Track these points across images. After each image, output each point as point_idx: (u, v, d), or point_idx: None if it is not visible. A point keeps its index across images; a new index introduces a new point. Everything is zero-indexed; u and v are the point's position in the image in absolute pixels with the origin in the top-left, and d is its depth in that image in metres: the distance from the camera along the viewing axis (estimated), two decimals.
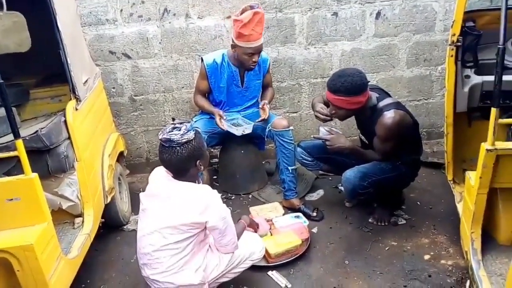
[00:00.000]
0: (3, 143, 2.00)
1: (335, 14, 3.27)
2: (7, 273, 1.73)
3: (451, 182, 2.59)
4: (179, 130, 1.83)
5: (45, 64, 2.71)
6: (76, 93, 2.25)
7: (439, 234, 2.56)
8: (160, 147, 1.87)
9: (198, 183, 1.97)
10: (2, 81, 1.61)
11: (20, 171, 1.81)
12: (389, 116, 2.34)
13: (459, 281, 2.18)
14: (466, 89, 2.42)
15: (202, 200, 1.84)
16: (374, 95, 2.47)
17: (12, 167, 1.99)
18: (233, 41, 2.72)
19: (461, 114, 2.52)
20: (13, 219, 1.76)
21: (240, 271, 2.11)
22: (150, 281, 1.93)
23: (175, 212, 1.84)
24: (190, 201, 1.84)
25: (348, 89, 2.32)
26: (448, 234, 2.53)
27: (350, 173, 2.44)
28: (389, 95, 2.57)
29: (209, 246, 2.03)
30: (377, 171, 2.45)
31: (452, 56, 2.33)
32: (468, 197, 1.94)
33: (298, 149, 2.78)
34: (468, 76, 2.43)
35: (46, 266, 1.75)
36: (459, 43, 2.31)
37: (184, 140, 1.81)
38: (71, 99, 2.26)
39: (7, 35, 2.84)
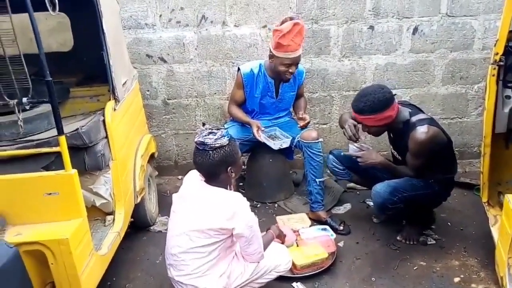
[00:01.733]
0: (44, 139, 2.06)
1: (371, 27, 3.26)
2: (41, 265, 1.77)
3: (486, 204, 2.51)
4: (215, 135, 1.86)
5: (84, 64, 2.80)
6: (116, 94, 2.31)
7: (470, 256, 2.48)
8: (195, 150, 1.89)
9: (230, 189, 1.98)
10: (50, 78, 1.66)
11: (58, 166, 1.87)
12: (422, 131, 2.30)
13: None
14: (506, 110, 2.36)
15: (231, 207, 1.85)
16: (406, 110, 2.45)
17: (50, 162, 2.05)
18: (270, 51, 2.73)
19: (498, 135, 2.46)
20: (50, 213, 1.81)
21: (265, 282, 2.10)
22: (175, 282, 1.94)
23: (203, 216, 1.85)
24: (218, 206, 1.85)
25: (372, 107, 2.31)
26: (479, 258, 2.46)
27: (380, 187, 2.41)
28: (422, 111, 2.53)
29: (235, 253, 2.03)
30: (408, 187, 2.41)
31: (493, 75, 2.28)
32: (507, 221, 1.88)
33: (330, 156, 2.75)
34: (509, 97, 2.37)
35: (79, 261, 1.78)
36: (501, 63, 2.26)
37: (217, 145, 1.83)
38: (110, 99, 2.32)
39: (51, 35, 2.94)
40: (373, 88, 2.37)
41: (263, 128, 2.83)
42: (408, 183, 2.43)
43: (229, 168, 1.89)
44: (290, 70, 2.73)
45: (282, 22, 2.64)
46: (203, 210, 1.86)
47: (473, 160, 3.56)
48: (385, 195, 2.37)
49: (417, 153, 2.37)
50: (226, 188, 1.95)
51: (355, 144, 2.55)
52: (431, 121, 2.39)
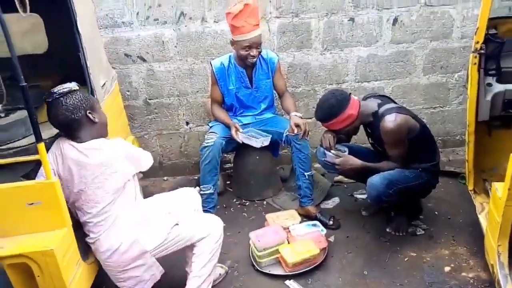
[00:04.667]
0: (23, 146, 1.98)
1: (352, 19, 3.24)
2: (27, 277, 1.71)
3: (472, 192, 2.54)
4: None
5: (60, 66, 2.70)
6: (95, 96, 2.23)
7: (459, 245, 2.51)
8: (47, 108, 1.84)
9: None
10: (25, 83, 1.59)
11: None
12: (390, 119, 2.34)
13: None
14: (489, 98, 2.38)
15: (105, 158, 1.84)
16: (375, 102, 2.50)
17: (30, 170, 1.97)
18: (232, 37, 2.72)
19: (481, 123, 2.49)
20: (33, 224, 1.73)
21: (202, 251, 2.06)
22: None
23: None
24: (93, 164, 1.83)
25: (329, 113, 2.43)
26: (468, 246, 2.49)
27: (376, 179, 2.39)
28: (393, 101, 2.57)
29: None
30: (402, 178, 2.40)
31: (475, 64, 2.29)
32: (495, 209, 1.90)
33: (321, 149, 2.70)
34: (490, 84, 2.40)
35: (66, 271, 1.72)
36: (482, 51, 2.27)
37: (65, 90, 1.81)
38: None
39: (24, 37, 2.82)
40: (326, 96, 2.50)
41: (241, 130, 2.80)
42: (401, 174, 2.42)
43: (87, 112, 1.86)
44: (251, 53, 2.70)
45: (235, 5, 2.63)
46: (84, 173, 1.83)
47: (456, 148, 3.60)
48: (381, 188, 2.36)
49: (391, 142, 2.40)
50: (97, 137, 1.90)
51: (332, 151, 2.57)
52: (398, 109, 2.43)
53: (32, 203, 1.71)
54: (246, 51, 2.69)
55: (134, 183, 2.01)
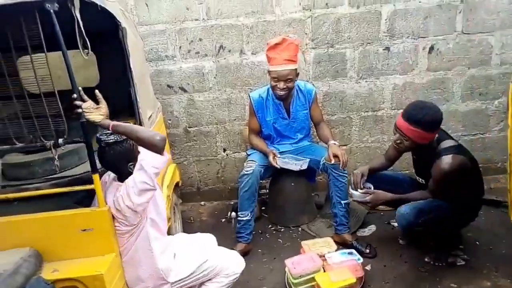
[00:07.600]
0: (77, 175, 2.13)
1: (387, 48, 3.29)
2: None
3: None
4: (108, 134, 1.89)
5: (109, 98, 2.89)
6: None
7: (502, 277, 2.43)
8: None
9: None
10: (85, 119, 1.74)
11: (91, 200, 1.95)
12: (447, 161, 2.29)
13: None
14: None
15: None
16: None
17: (82, 196, 2.12)
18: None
19: None
20: (85, 249, 1.86)
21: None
22: None
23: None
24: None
25: (428, 123, 2.30)
26: (511, 278, 2.41)
27: (405, 209, 2.39)
28: (450, 136, 2.51)
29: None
30: (434, 208, 2.39)
31: None
32: None
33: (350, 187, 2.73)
34: None
35: None
36: None
37: (110, 141, 1.85)
38: None
39: (77, 71, 3.04)
40: (433, 105, 2.37)
41: (278, 156, 2.87)
42: (433, 204, 2.41)
43: (129, 165, 1.88)
44: (278, 86, 2.77)
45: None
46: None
47: (498, 175, 3.51)
48: (409, 217, 2.36)
49: (439, 182, 2.36)
50: None
51: (359, 190, 2.60)
52: (457, 149, 2.38)
53: (84, 230, 1.84)
54: (275, 82, 2.79)
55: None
